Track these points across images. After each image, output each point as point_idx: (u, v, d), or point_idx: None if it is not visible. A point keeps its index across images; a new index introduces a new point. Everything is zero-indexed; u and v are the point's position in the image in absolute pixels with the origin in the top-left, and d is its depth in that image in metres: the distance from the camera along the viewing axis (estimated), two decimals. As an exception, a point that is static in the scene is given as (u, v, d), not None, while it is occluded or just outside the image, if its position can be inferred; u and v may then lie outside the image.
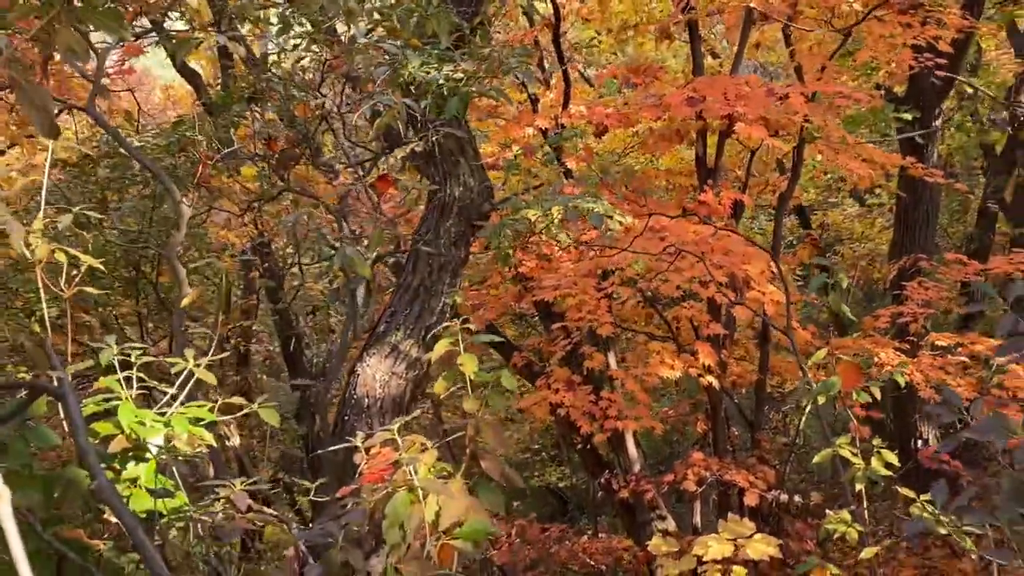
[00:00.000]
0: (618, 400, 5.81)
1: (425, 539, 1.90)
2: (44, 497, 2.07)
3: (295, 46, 3.68)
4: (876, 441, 3.75)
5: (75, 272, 2.75)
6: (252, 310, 8.29)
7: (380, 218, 4.03)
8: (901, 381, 4.80)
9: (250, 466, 7.00)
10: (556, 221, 3.97)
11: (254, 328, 8.78)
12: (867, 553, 3.53)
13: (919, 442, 7.23)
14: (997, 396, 4.87)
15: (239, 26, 4.18)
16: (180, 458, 2.23)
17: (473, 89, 3.52)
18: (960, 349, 5.58)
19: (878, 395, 4.19)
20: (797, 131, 5.61)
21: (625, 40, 8.30)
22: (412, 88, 3.56)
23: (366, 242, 4.39)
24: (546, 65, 7.45)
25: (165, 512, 2.16)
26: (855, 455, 3.67)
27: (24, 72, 1.74)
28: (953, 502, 1.96)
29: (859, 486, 3.62)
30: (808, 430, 8.44)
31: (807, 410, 4.96)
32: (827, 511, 3.87)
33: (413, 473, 1.96)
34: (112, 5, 1.93)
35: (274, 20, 3.66)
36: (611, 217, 3.77)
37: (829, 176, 10.06)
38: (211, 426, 2.40)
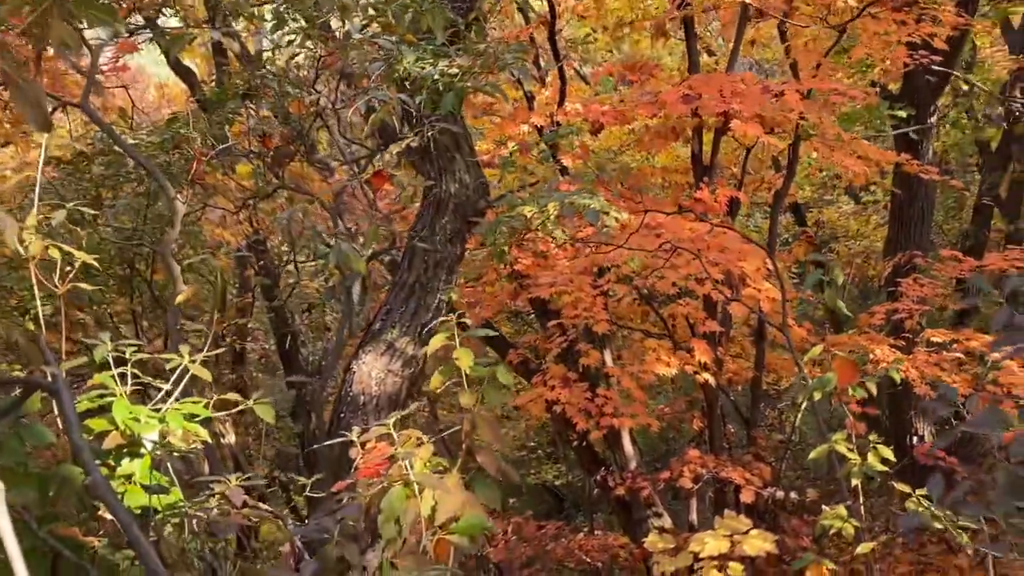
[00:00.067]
0: (614, 397, 5.81)
1: (421, 534, 1.89)
2: (39, 495, 2.06)
3: (289, 42, 3.66)
4: (872, 437, 3.76)
5: (69, 269, 2.74)
6: (248, 308, 8.28)
7: (376, 215, 4.02)
8: (897, 377, 4.81)
9: (246, 464, 6.98)
10: (552, 218, 3.97)
11: (250, 326, 8.77)
12: (863, 548, 3.53)
13: (915, 439, 7.25)
14: (992, 392, 4.88)
15: (233, 22, 4.17)
16: (175, 454, 2.22)
17: (468, 84, 3.52)
18: (955, 345, 5.59)
19: (874, 391, 4.19)
20: (793, 128, 5.62)
21: (621, 37, 8.29)
22: (407, 84, 3.55)
23: (361, 239, 4.38)
24: (542, 63, 7.45)
25: (160, 508, 2.15)
26: (851, 451, 3.67)
27: (18, 67, 1.73)
28: (949, 496, 1.96)
29: (855, 482, 3.62)
30: (804, 427, 8.45)
31: (803, 407, 4.97)
32: (823, 507, 3.87)
33: (409, 468, 1.95)
34: (106, 0, 1.93)
35: (268, 16, 3.65)
36: (607, 213, 3.77)
37: (824, 173, 10.07)
38: (206, 423, 2.40)
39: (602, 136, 7.45)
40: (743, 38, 6.30)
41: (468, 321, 2.28)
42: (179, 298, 3.20)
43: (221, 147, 4.44)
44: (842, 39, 5.77)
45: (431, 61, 3.46)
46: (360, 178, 4.19)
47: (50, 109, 4.49)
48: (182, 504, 2.16)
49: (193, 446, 2.24)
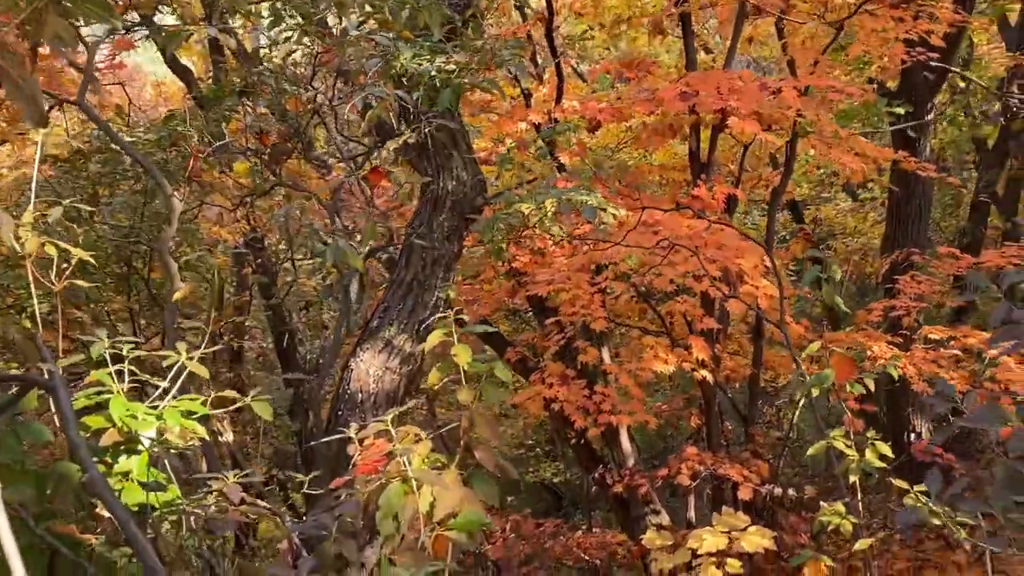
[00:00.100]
0: (612, 395, 5.81)
1: (419, 530, 1.89)
2: (36, 492, 2.05)
3: (286, 39, 3.66)
4: (870, 433, 3.76)
5: (66, 266, 2.73)
6: (245, 306, 8.27)
7: (373, 211, 4.02)
8: (895, 374, 4.81)
9: (243, 462, 6.98)
10: (549, 214, 3.96)
11: (247, 324, 8.76)
12: (861, 545, 3.54)
13: (912, 435, 7.26)
14: (989, 389, 4.89)
15: (230, 20, 4.16)
16: (172, 451, 2.22)
17: (466, 81, 3.51)
18: (953, 342, 5.60)
19: (872, 387, 4.20)
20: (790, 125, 5.62)
21: (618, 35, 8.29)
22: (404, 80, 3.55)
23: (359, 236, 4.38)
24: (539, 60, 7.44)
25: (157, 505, 2.14)
26: (849, 447, 3.68)
27: (13, 62, 1.72)
28: (947, 492, 1.96)
29: (853, 478, 3.63)
30: (802, 424, 8.47)
31: (800, 404, 4.97)
32: (821, 504, 3.87)
33: (407, 464, 1.95)
34: (101, -5, 1.92)
35: (265, 13, 3.64)
36: (604, 210, 3.76)
37: (822, 171, 10.08)
38: (204, 422, 2.39)
39: (599, 134, 7.45)
40: (740, 35, 6.30)
41: (466, 318, 2.28)
42: (176, 295, 3.19)
43: (218, 144, 4.43)
44: (839, 36, 5.77)
45: (428, 57, 3.46)
46: (357, 175, 4.18)
47: (47, 107, 4.49)
48: (180, 501, 2.16)
49: (191, 443, 2.24)
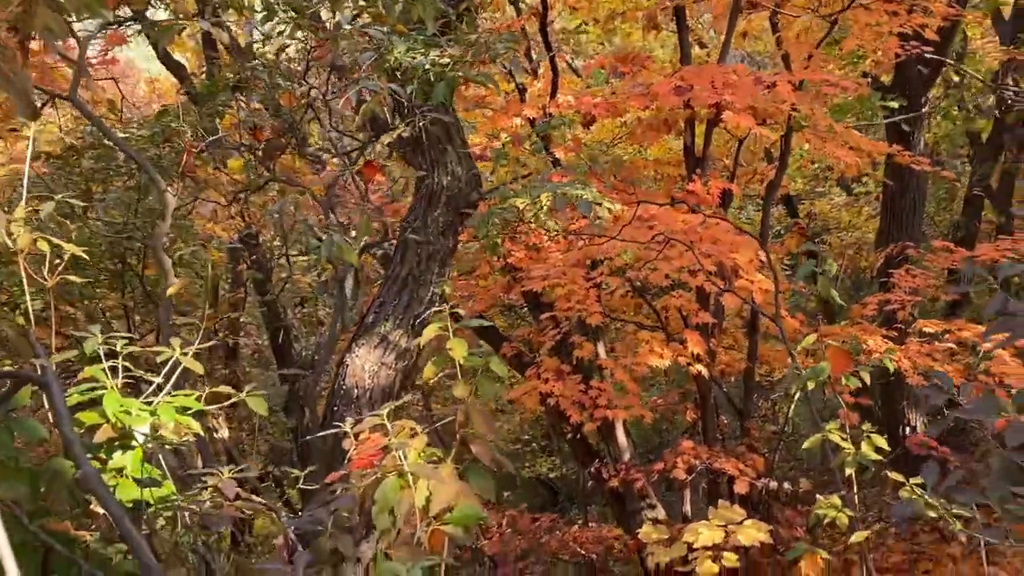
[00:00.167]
0: (608, 389, 5.81)
1: (415, 525, 1.89)
2: (30, 489, 2.04)
3: (279, 33, 3.64)
4: (866, 427, 3.77)
5: (59, 262, 2.72)
6: (240, 303, 8.26)
7: (367, 207, 4.00)
8: (890, 367, 4.82)
9: (239, 459, 6.97)
10: (545, 209, 3.95)
11: (242, 321, 8.74)
12: (857, 538, 3.54)
13: (907, 429, 7.28)
14: (984, 382, 4.91)
15: (223, 14, 4.14)
16: (167, 447, 2.21)
17: (460, 74, 3.50)
18: (947, 336, 5.61)
19: (867, 380, 4.20)
20: (785, 120, 5.61)
21: (612, 29, 8.28)
22: (398, 74, 3.53)
23: (353, 232, 4.36)
24: (533, 55, 7.43)
25: (152, 502, 2.14)
26: (845, 440, 3.68)
27: (4, 55, 1.71)
28: (943, 485, 1.97)
29: (849, 471, 3.63)
30: (797, 418, 8.48)
31: (796, 398, 4.98)
32: (817, 497, 3.88)
33: (403, 458, 1.94)
34: (93, -11, 1.91)
35: (258, 7, 3.62)
36: (600, 205, 3.76)
37: (816, 165, 10.08)
38: (199, 418, 2.38)
39: (594, 128, 7.45)
40: (735, 30, 6.28)
41: (462, 312, 2.27)
42: (170, 291, 3.18)
43: (211, 139, 4.41)
44: (834, 30, 5.77)
45: (422, 51, 3.44)
46: (351, 170, 4.17)
47: (39, 103, 4.46)
48: (175, 497, 2.15)
49: (185, 439, 2.23)
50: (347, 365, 4.23)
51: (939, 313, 7.72)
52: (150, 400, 2.30)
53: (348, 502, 1.98)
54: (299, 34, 3.67)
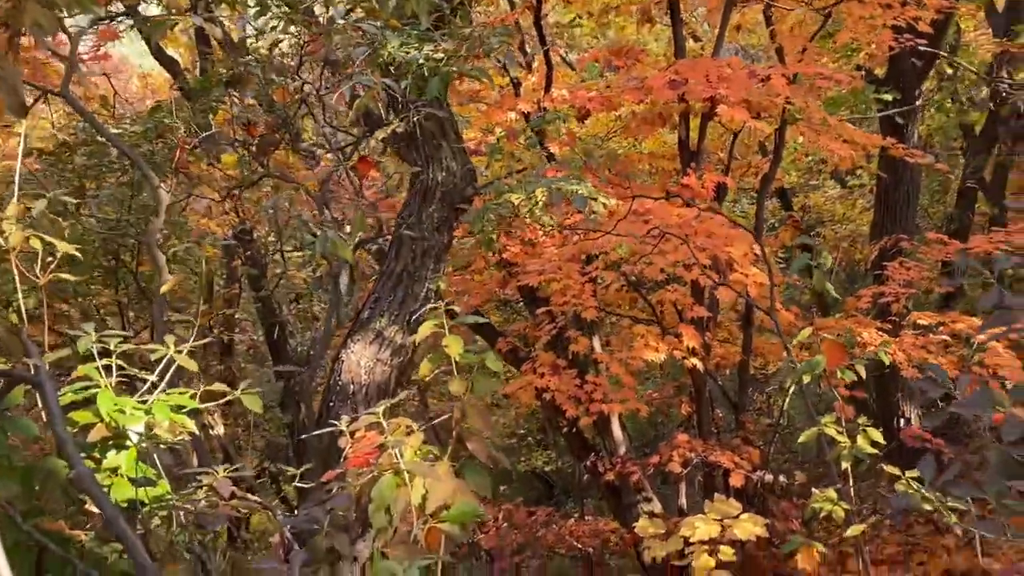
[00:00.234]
0: (603, 384, 5.81)
1: (412, 523, 1.88)
2: (24, 489, 2.03)
3: (272, 28, 3.62)
4: (862, 420, 3.77)
5: (51, 260, 2.70)
6: (234, 299, 8.23)
7: (362, 202, 3.99)
8: (886, 360, 4.83)
9: (235, 455, 6.96)
10: (540, 204, 3.94)
11: (237, 317, 8.72)
12: (853, 531, 3.55)
13: (901, 421, 7.30)
14: (978, 374, 4.92)
15: (215, 9, 4.11)
16: (162, 446, 2.20)
17: (454, 69, 3.48)
18: (941, 328, 5.62)
19: (863, 373, 4.21)
20: (779, 113, 5.62)
21: (607, 23, 8.25)
22: (392, 69, 3.52)
23: (348, 228, 4.35)
24: (528, 49, 7.41)
25: (147, 501, 2.13)
26: (840, 434, 3.69)
27: (-7, 52, 1.70)
28: (939, 479, 1.97)
29: (845, 465, 3.64)
30: (792, 411, 8.49)
31: (791, 391, 4.99)
32: (812, 490, 3.89)
33: (399, 456, 1.94)
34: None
35: (251, 2, 3.60)
36: (595, 199, 3.75)
37: (810, 158, 10.08)
38: (195, 415, 2.37)
39: (589, 123, 7.43)
40: (729, 23, 6.27)
41: (457, 309, 2.27)
42: (164, 288, 3.17)
43: (205, 135, 4.39)
44: (827, 23, 5.77)
45: (416, 46, 3.43)
46: (346, 166, 4.15)
47: (31, 99, 4.43)
48: (170, 497, 2.14)
49: (180, 437, 2.22)
50: (342, 361, 4.22)
51: (933, 305, 7.73)
52: (145, 399, 2.29)
53: (344, 501, 1.98)
54: (292, 29, 3.65)
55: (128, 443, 2.17)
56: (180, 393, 2.32)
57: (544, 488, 12.02)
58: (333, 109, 4.69)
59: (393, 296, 4.31)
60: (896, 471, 3.26)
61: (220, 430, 2.72)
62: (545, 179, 4.07)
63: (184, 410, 2.29)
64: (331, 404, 4.17)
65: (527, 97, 6.27)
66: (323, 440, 3.34)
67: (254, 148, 4.55)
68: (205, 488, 2.13)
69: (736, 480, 5.39)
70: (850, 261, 10.66)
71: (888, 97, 7.09)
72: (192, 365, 2.44)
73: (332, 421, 2.35)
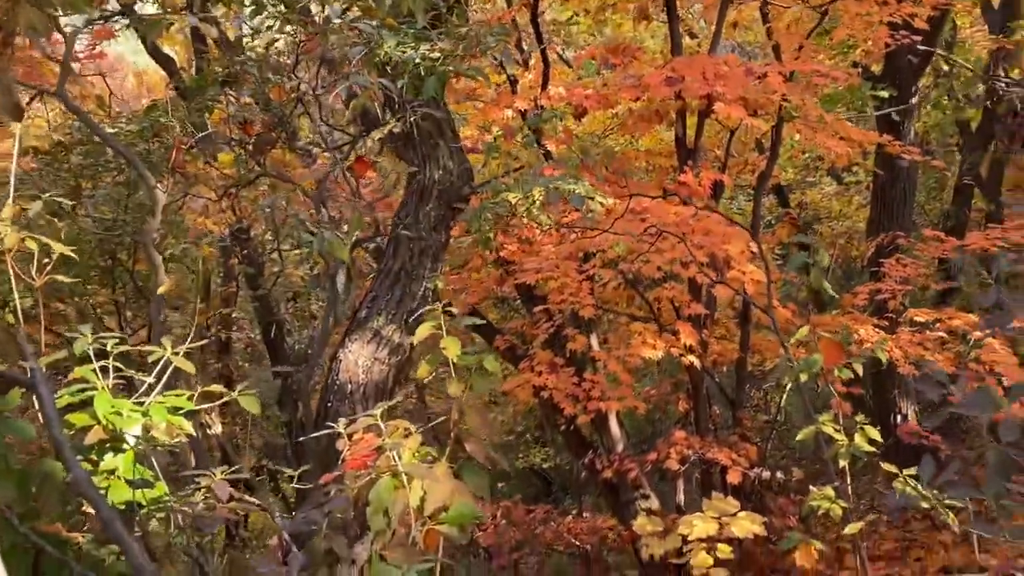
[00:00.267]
0: (601, 381, 5.82)
1: (410, 525, 1.88)
2: (20, 491, 2.03)
3: (269, 27, 3.61)
4: (859, 418, 3.77)
5: (47, 261, 2.69)
6: (232, 297, 8.23)
7: (359, 202, 3.98)
8: (883, 359, 4.83)
9: (233, 455, 6.96)
10: (537, 203, 3.94)
11: (234, 315, 8.71)
12: (852, 529, 3.55)
13: (898, 417, 7.31)
14: (975, 370, 4.93)
15: (211, 7, 4.10)
16: (159, 448, 2.19)
17: (451, 69, 3.47)
18: (938, 325, 5.62)
19: (860, 372, 4.21)
20: (776, 110, 5.61)
21: (603, 20, 8.24)
22: (388, 68, 3.51)
23: (345, 226, 4.34)
24: (524, 46, 7.39)
25: (145, 503, 2.12)
26: (838, 432, 3.69)
27: (-12, 55, 1.69)
28: (938, 478, 1.97)
29: (843, 463, 3.64)
30: (789, 407, 8.50)
31: (788, 387, 4.99)
32: (809, 487, 3.89)
33: (397, 458, 1.93)
34: (78, -14, 1.88)
35: (247, 1, 3.59)
36: (592, 199, 3.75)
37: (807, 155, 10.08)
38: (193, 415, 2.36)
39: (586, 120, 7.42)
40: (725, 20, 6.27)
41: (455, 310, 2.26)
42: (161, 289, 3.16)
43: (201, 135, 4.38)
44: (824, 20, 5.76)
45: (412, 45, 3.42)
46: (343, 165, 4.14)
47: (27, 98, 4.42)
48: (167, 499, 2.14)
49: (177, 440, 2.21)
50: (340, 360, 4.21)
51: (929, 302, 7.74)
52: (142, 400, 2.28)
53: (342, 503, 1.98)
54: (288, 28, 3.64)
55: (125, 447, 2.16)
56: (177, 395, 2.31)
57: (542, 485, 12.03)
58: (330, 108, 4.68)
59: (391, 295, 4.30)
60: (893, 469, 3.26)
61: (218, 429, 2.72)
62: (542, 178, 4.06)
63: (181, 411, 2.28)
64: (329, 403, 4.16)
65: (524, 95, 6.26)
66: (321, 441, 3.34)
67: (251, 147, 4.54)
68: (203, 491, 2.13)
69: (733, 477, 5.40)
70: (847, 258, 10.67)
71: (884, 94, 7.09)
72: (189, 367, 2.43)
73: (330, 421, 2.34)
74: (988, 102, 7.71)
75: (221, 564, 2.23)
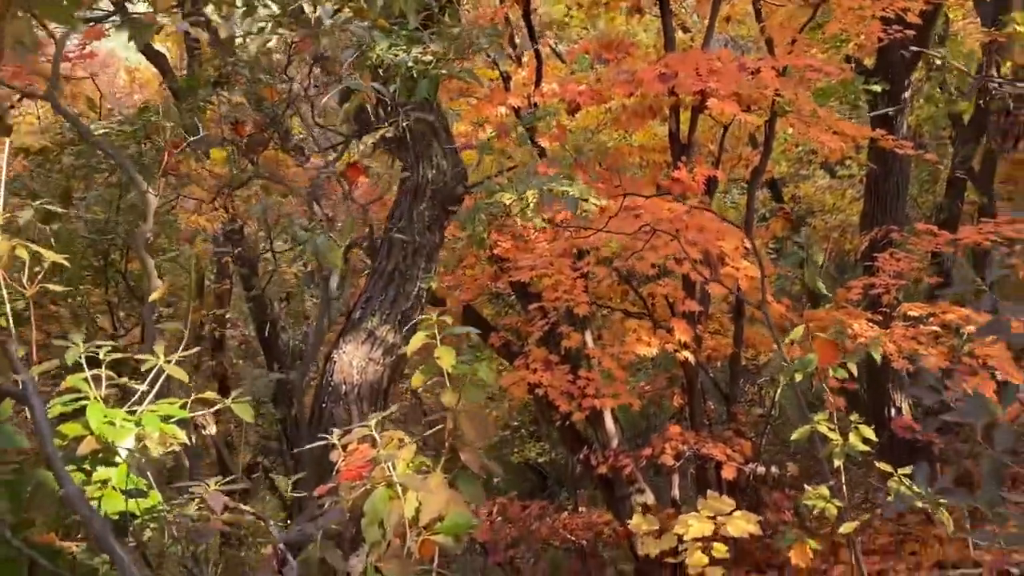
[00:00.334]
0: (595, 378, 5.82)
1: (405, 536, 1.88)
2: (12, 502, 2.02)
3: (261, 28, 3.58)
4: (854, 416, 3.78)
5: (39, 268, 2.67)
6: (226, 296, 8.21)
7: (352, 206, 3.97)
8: (877, 358, 4.83)
9: (228, 454, 6.95)
10: (531, 204, 3.93)
11: (228, 314, 8.69)
12: (847, 528, 3.57)
13: (892, 411, 7.33)
14: (968, 364, 4.94)
15: (203, 8, 4.06)
16: (152, 459, 2.18)
17: (443, 71, 3.46)
18: (931, 319, 5.62)
19: (855, 371, 4.22)
20: (769, 105, 5.61)
21: (596, 15, 8.22)
22: (381, 71, 3.49)
23: (339, 225, 4.33)
24: (517, 41, 7.37)
25: (139, 513, 2.11)
26: (832, 430, 3.70)
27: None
28: (935, 483, 1.98)
29: (837, 462, 3.65)
30: (783, 401, 8.52)
31: (782, 383, 5.00)
32: (804, 483, 3.90)
33: (392, 469, 1.93)
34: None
35: (239, 2, 3.56)
36: (586, 200, 3.74)
37: (800, 149, 10.08)
38: (184, 426, 2.35)
39: (579, 116, 7.40)
40: (718, 14, 6.26)
41: (449, 317, 2.25)
42: (154, 295, 3.14)
43: (194, 139, 4.35)
44: (817, 14, 5.76)
45: (404, 47, 3.40)
46: (336, 166, 4.12)
47: (16, 97, 4.38)
48: (161, 508, 2.13)
49: (171, 449, 2.20)
50: (334, 361, 4.21)
51: (922, 295, 7.75)
52: (134, 409, 2.27)
53: (337, 515, 1.97)
54: (280, 29, 3.61)
55: (117, 460, 2.14)
56: (170, 403, 2.30)
57: (537, 479, 12.05)
58: (322, 108, 4.66)
59: (384, 295, 4.30)
60: (888, 468, 3.27)
61: (212, 429, 2.71)
62: (536, 179, 4.05)
63: (174, 420, 2.27)
64: (324, 404, 4.16)
65: (517, 91, 6.24)
66: (316, 448, 3.34)
67: (243, 147, 4.51)
68: (197, 501, 2.12)
69: (728, 472, 5.41)
70: (840, 251, 10.68)
71: (877, 88, 7.09)
72: (182, 375, 2.41)
73: (325, 422, 2.34)
74: (981, 103, 7.72)
75: (216, 573, 2.22)
